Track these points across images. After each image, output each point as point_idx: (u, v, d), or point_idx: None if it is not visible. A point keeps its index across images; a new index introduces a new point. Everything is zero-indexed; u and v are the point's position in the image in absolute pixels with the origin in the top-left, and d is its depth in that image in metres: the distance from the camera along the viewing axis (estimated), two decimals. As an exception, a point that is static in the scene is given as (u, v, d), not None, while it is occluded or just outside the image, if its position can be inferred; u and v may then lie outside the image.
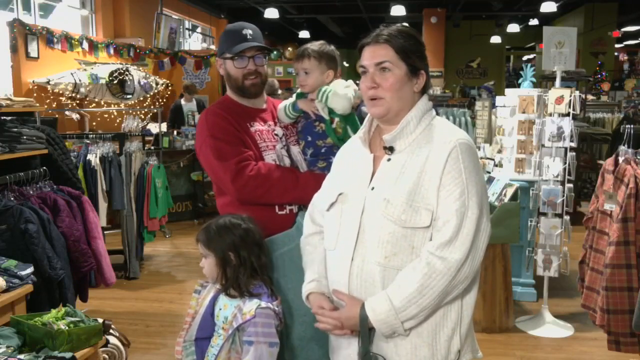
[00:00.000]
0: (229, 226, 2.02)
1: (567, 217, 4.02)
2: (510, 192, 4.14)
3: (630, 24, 16.36)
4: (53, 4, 8.80)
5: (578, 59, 10.14)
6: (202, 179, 7.39)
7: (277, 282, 2.10)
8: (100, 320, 2.66)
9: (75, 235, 3.34)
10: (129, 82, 8.23)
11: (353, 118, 2.22)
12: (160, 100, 9.77)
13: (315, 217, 1.89)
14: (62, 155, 3.79)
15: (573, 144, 3.98)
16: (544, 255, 4.03)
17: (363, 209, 1.65)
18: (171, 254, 6.16)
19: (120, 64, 8.49)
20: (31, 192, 3.31)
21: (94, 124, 8.11)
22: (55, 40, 7.51)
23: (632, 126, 3.41)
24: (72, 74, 7.41)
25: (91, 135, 5.64)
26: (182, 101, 8.86)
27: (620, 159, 3.24)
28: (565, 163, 3.98)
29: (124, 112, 8.19)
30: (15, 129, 3.36)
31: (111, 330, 2.88)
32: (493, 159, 4.97)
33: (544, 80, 8.86)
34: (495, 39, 17.05)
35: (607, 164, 3.34)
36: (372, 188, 1.66)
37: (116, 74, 8.00)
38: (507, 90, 4.95)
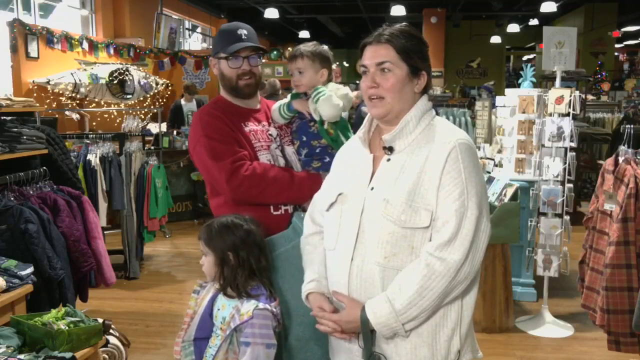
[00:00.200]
0: (231, 226, 2.02)
1: (567, 217, 4.02)
2: (510, 192, 4.14)
3: (630, 24, 16.36)
4: (53, 4, 8.80)
5: (578, 59, 10.13)
6: (202, 179, 7.38)
7: (275, 283, 2.09)
8: (100, 320, 2.66)
9: (75, 235, 3.34)
10: (129, 82, 8.23)
11: (344, 124, 2.22)
12: (160, 100, 9.77)
13: (315, 217, 1.89)
14: (62, 155, 3.79)
15: (573, 144, 3.98)
16: (544, 255, 4.03)
17: (362, 209, 1.65)
18: (171, 254, 6.16)
19: (120, 64, 8.49)
20: (31, 192, 3.31)
21: (94, 124, 8.11)
22: (55, 40, 7.52)
23: (632, 126, 3.41)
24: (72, 74, 7.41)
25: (91, 135, 5.64)
26: (182, 101, 8.87)
27: (620, 159, 3.24)
28: (565, 163, 3.98)
29: (124, 112, 8.19)
30: (15, 129, 3.36)
31: (111, 330, 2.88)
32: (493, 159, 4.97)
33: (544, 80, 8.86)
34: (495, 39, 17.06)
35: (607, 164, 3.34)
36: (372, 188, 1.66)
37: (116, 74, 8.00)
38: (507, 90, 4.95)
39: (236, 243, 2.00)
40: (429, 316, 1.58)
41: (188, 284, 5.09)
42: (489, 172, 4.69)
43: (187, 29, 13.74)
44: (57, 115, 6.58)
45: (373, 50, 1.66)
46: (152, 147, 7.01)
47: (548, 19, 15.94)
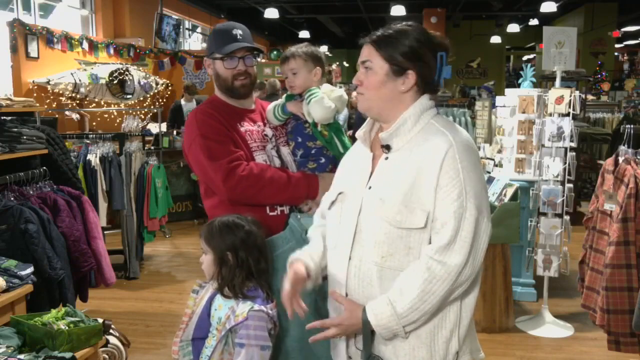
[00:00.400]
0: (232, 226, 2.01)
1: (567, 217, 4.02)
2: (510, 192, 4.14)
3: (630, 24, 16.37)
4: (53, 4, 8.81)
5: (578, 59, 10.14)
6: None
7: (272, 285, 2.08)
8: (100, 320, 2.66)
9: (75, 235, 3.34)
10: (129, 82, 8.23)
11: (337, 126, 2.22)
12: (160, 100, 9.77)
13: (323, 214, 1.91)
14: (62, 155, 3.79)
15: (573, 144, 3.97)
16: (544, 255, 4.03)
17: (360, 209, 1.65)
18: (171, 254, 6.15)
19: (120, 64, 8.49)
20: (31, 192, 3.31)
21: (94, 124, 8.11)
22: (55, 40, 7.52)
23: (632, 126, 3.41)
24: (72, 74, 7.42)
25: (91, 135, 5.63)
26: (182, 101, 8.87)
27: (620, 159, 3.24)
28: (565, 163, 3.98)
29: (124, 112, 8.18)
30: (15, 129, 3.36)
31: (111, 330, 2.89)
32: (493, 159, 4.97)
33: (544, 80, 8.85)
34: (495, 39, 17.07)
35: (607, 164, 3.34)
36: (370, 187, 1.66)
37: (116, 74, 8.01)
38: (507, 90, 4.95)
39: (236, 243, 1.99)
40: (428, 319, 1.58)
41: (188, 284, 5.09)
42: (489, 172, 4.69)
43: (187, 29, 13.73)
44: (57, 115, 6.58)
45: (363, 49, 1.70)
46: (152, 147, 7.01)
47: (548, 19, 15.95)
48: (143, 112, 8.80)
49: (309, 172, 2.21)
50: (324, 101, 2.14)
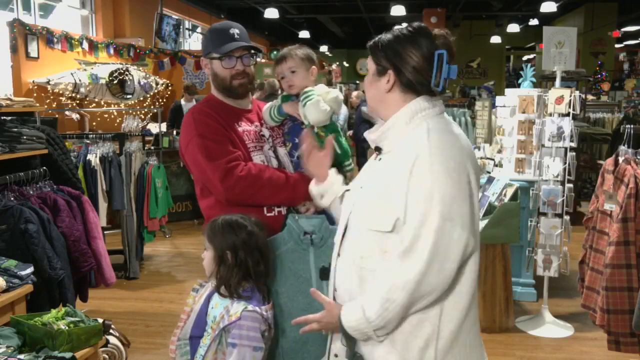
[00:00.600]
0: (234, 226, 2.00)
1: (567, 217, 4.02)
2: (510, 192, 4.13)
3: (630, 24, 16.37)
4: (53, 4, 8.81)
5: (578, 59, 10.14)
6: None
7: (270, 286, 2.08)
8: (100, 320, 2.66)
9: (75, 235, 3.34)
10: (129, 82, 8.23)
11: (333, 127, 2.19)
12: (160, 100, 9.77)
13: None
14: (62, 155, 3.79)
15: (573, 144, 3.98)
16: (544, 255, 4.03)
17: (352, 208, 1.69)
18: (171, 254, 6.15)
19: (120, 64, 8.49)
20: (31, 192, 3.31)
21: (94, 124, 8.11)
22: (55, 40, 7.51)
23: (632, 126, 3.41)
24: (72, 74, 7.41)
25: (91, 135, 5.63)
26: (182, 101, 8.86)
27: (620, 159, 3.24)
28: (565, 163, 3.98)
29: (124, 112, 8.18)
30: (15, 129, 3.36)
31: (111, 330, 2.88)
32: (493, 159, 4.97)
33: (544, 80, 8.85)
34: (495, 39, 17.07)
35: (607, 164, 3.34)
36: (361, 187, 1.70)
37: (116, 74, 8.00)
38: (507, 90, 4.95)
39: (237, 243, 1.99)
40: (397, 325, 1.55)
41: (188, 284, 5.09)
42: (489, 172, 4.69)
43: (187, 29, 13.73)
44: (57, 115, 6.58)
45: None
46: (152, 147, 7.01)
47: (548, 19, 15.95)
48: (143, 112, 8.80)
49: (307, 173, 2.20)
50: (319, 104, 2.13)
